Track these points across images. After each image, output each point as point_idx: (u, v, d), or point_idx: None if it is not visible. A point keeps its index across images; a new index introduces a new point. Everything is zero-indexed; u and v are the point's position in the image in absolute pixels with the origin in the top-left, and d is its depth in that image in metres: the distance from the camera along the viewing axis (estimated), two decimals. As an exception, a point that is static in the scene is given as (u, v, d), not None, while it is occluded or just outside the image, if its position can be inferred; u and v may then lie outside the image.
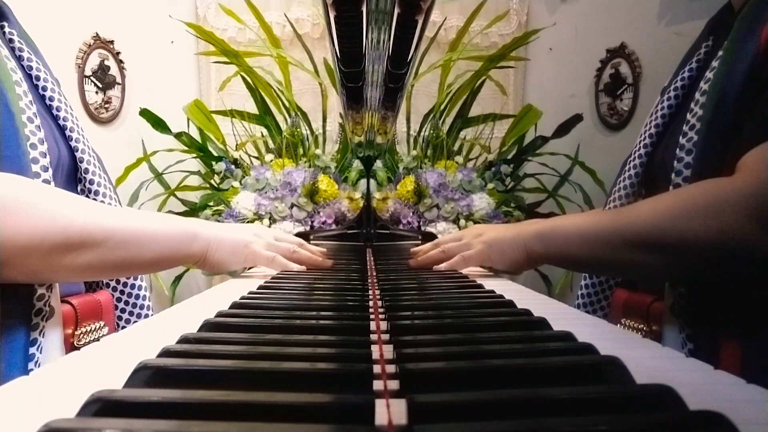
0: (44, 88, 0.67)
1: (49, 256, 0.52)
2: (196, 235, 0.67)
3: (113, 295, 0.73)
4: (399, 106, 0.85)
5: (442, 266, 0.75)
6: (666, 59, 1.77)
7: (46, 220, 0.51)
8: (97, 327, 0.67)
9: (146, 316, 0.74)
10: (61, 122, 0.68)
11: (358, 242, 1.38)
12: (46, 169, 0.58)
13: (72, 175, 0.69)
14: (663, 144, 0.71)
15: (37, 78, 0.67)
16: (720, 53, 0.60)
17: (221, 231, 0.70)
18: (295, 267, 0.74)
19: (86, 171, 0.69)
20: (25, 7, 1.61)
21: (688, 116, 0.61)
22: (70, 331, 0.62)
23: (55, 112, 0.68)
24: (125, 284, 0.74)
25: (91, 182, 0.69)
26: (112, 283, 0.73)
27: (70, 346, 0.62)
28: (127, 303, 0.74)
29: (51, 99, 0.68)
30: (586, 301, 0.78)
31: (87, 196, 0.69)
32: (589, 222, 0.64)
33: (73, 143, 0.68)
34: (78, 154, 0.68)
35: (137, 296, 0.74)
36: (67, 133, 0.68)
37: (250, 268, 0.83)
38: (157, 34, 1.99)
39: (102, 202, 0.70)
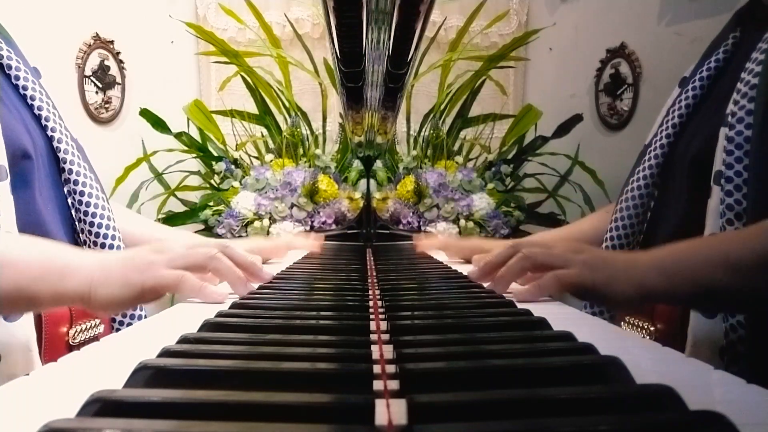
0: (17, 78, 0.68)
1: None
2: (72, 267, 0.50)
3: None
4: (399, 106, 0.85)
5: (519, 289, 0.57)
6: (666, 59, 1.78)
7: None
8: (93, 325, 0.67)
9: (139, 316, 0.74)
10: (36, 111, 0.69)
11: (358, 242, 1.38)
12: None
13: (55, 165, 0.70)
14: (687, 134, 0.70)
15: (9, 67, 0.68)
16: (761, 45, 0.59)
17: (109, 258, 0.54)
18: (213, 291, 0.55)
19: (64, 161, 0.70)
20: (26, 7, 1.61)
21: (733, 107, 0.60)
22: (65, 329, 0.62)
23: (29, 101, 0.69)
24: None
25: (70, 171, 0.70)
26: None
27: (66, 345, 0.62)
28: None
29: (24, 88, 0.69)
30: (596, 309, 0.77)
31: (68, 186, 0.70)
32: (725, 243, 0.51)
33: (49, 132, 0.69)
34: (55, 144, 0.69)
35: None
36: (43, 122, 0.69)
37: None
38: (157, 34, 1.99)
39: (83, 191, 0.70)
